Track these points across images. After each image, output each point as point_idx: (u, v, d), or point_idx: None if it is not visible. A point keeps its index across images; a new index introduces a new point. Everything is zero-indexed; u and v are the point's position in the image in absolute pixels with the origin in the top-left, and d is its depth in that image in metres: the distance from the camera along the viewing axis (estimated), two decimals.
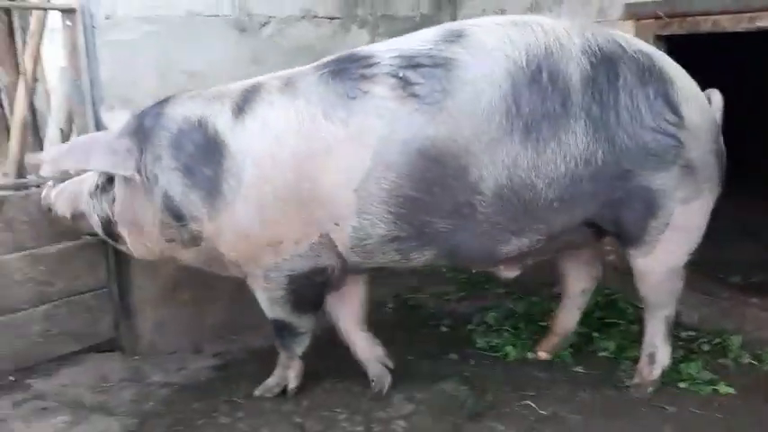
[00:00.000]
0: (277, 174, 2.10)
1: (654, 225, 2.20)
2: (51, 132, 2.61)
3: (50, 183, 2.48)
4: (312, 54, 3.11)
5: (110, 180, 2.34)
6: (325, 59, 2.20)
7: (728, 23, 2.73)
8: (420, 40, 2.10)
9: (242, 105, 2.17)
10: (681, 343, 2.81)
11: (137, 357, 2.92)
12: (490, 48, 2.03)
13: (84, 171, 2.41)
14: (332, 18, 3.22)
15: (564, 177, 2.06)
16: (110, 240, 2.49)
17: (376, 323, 3.24)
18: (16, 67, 3.48)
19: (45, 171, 2.30)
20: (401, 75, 2.01)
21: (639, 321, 2.96)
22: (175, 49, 2.77)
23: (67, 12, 2.56)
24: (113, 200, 2.32)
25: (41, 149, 2.84)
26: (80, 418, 2.45)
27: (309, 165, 2.08)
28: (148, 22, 2.70)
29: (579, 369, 2.71)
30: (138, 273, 2.85)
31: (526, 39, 2.04)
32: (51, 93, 3.07)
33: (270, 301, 2.38)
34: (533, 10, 3.36)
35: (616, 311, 3.10)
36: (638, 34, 2.98)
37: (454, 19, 3.70)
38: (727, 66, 5.13)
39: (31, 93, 2.80)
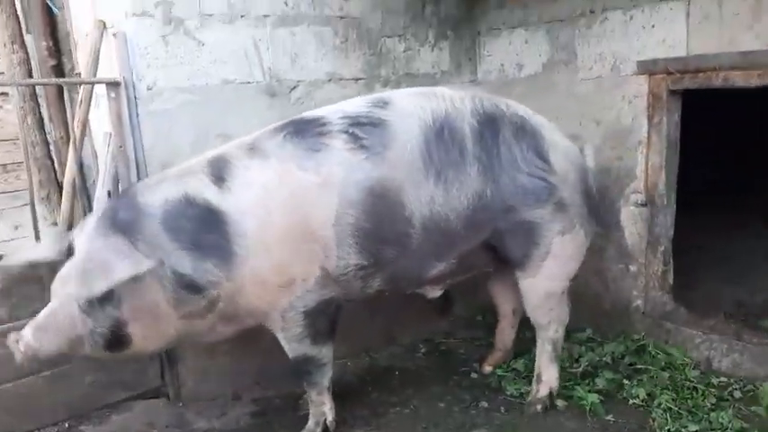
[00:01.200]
0: (275, 222, 2.34)
1: (536, 253, 2.64)
2: (99, 193, 2.78)
3: (11, 334, 2.27)
4: None
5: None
6: (276, 125, 2.50)
7: (739, 79, 2.77)
8: (356, 105, 2.52)
9: (220, 175, 2.35)
10: (713, 390, 2.81)
11: (180, 404, 3.06)
12: (408, 112, 2.50)
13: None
14: (357, 79, 3.37)
15: (466, 210, 2.52)
16: (108, 352, 2.33)
17: (407, 369, 3.35)
18: (65, 125, 3.74)
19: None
20: (351, 131, 2.41)
21: (671, 367, 3.01)
22: (211, 115, 2.95)
23: (112, 85, 2.76)
24: (119, 302, 2.23)
25: (90, 209, 3.03)
26: None
27: (297, 210, 2.37)
28: (186, 91, 2.89)
29: (610, 418, 2.73)
30: None
31: (431, 105, 2.53)
32: (98, 155, 3.29)
33: (290, 339, 2.55)
34: (548, 66, 3.49)
35: (646, 357, 3.11)
36: (652, 89, 3.07)
37: (474, 75, 3.84)
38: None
39: (79, 156, 3.01)
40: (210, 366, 3.11)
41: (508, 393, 2.99)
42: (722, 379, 2.90)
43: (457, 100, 2.58)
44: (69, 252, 2.32)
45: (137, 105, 2.76)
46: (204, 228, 2.29)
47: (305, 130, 2.43)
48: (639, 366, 3.05)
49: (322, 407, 2.68)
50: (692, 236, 3.67)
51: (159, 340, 2.39)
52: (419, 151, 2.45)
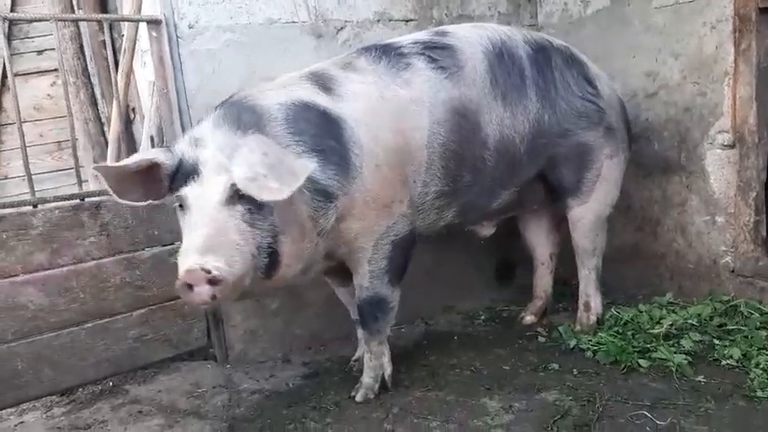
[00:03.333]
0: (382, 136, 2.28)
1: (589, 176, 2.75)
2: (143, 141, 2.67)
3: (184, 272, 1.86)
4: None
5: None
6: (353, 52, 2.47)
7: None
8: (417, 36, 2.53)
9: (326, 85, 2.25)
10: None
11: (228, 365, 2.91)
12: (469, 39, 2.54)
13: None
14: (407, 20, 3.16)
15: (529, 133, 2.58)
16: (266, 277, 2.07)
17: (467, 334, 3.12)
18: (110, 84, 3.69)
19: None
20: (426, 54, 2.42)
21: (767, 326, 2.66)
22: (256, 57, 2.79)
23: (153, 23, 2.64)
24: (272, 211, 2.01)
25: None
26: (173, 422, 2.47)
27: (399, 127, 2.32)
28: (229, 30, 2.74)
29: (700, 378, 2.41)
30: None
31: (487, 33, 2.59)
32: (144, 114, 3.20)
33: (373, 275, 2.41)
34: None
35: (738, 317, 2.76)
36: (738, 9, 2.73)
37: (535, 18, 3.57)
38: None
39: (124, 109, 2.91)
40: (259, 328, 2.97)
41: (582, 347, 2.74)
42: None
43: (507, 30, 2.67)
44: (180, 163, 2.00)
45: (179, 45, 2.63)
46: (323, 132, 2.15)
47: (387, 52, 2.40)
48: (731, 327, 2.71)
49: (382, 358, 2.54)
50: None
51: (298, 263, 2.16)
52: (486, 73, 2.49)
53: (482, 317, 3.32)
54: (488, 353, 2.83)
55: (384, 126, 2.28)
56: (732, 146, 2.84)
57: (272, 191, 1.87)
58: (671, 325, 2.77)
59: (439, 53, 2.44)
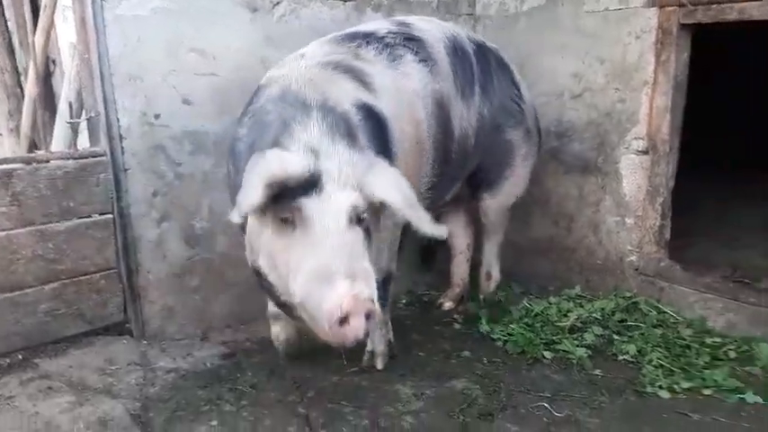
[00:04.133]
0: (405, 129, 2.29)
1: (506, 173, 2.93)
2: (61, 107, 2.53)
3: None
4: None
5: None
6: (334, 36, 2.42)
7: (756, 12, 2.57)
8: (386, 25, 2.51)
9: (363, 80, 2.19)
10: (706, 349, 2.68)
11: (144, 342, 2.86)
12: (431, 32, 2.57)
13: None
14: (346, 0, 3.11)
15: (476, 127, 2.68)
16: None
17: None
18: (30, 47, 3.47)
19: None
20: (407, 45, 2.43)
21: (663, 325, 2.88)
22: (185, 26, 2.69)
23: None
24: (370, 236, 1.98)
25: (53, 126, 2.80)
26: (83, 400, 2.41)
27: (412, 116, 2.36)
28: None
29: (597, 372, 2.59)
30: (147, 256, 2.80)
31: (442, 28, 2.65)
32: (65, 71, 3.03)
33: (391, 251, 2.48)
34: None
35: (638, 314, 2.97)
36: (662, 23, 2.86)
37: (473, 7, 3.60)
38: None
39: (43, 67, 2.74)
40: (178, 305, 2.93)
41: (494, 337, 2.87)
42: (716, 339, 2.76)
43: (452, 26, 2.74)
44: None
45: (103, 8, 2.49)
46: (380, 133, 2.11)
47: (377, 42, 2.38)
48: (630, 323, 2.91)
49: (389, 324, 2.68)
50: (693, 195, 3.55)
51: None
52: (450, 67, 2.56)
53: (403, 300, 3.41)
54: (405, 338, 2.92)
55: (404, 119, 2.29)
56: (646, 152, 3.00)
57: (423, 221, 1.83)
58: (577, 318, 2.95)
59: (415, 45, 2.45)
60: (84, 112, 2.74)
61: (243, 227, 2.05)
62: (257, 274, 2.00)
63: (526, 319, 2.97)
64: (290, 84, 2.03)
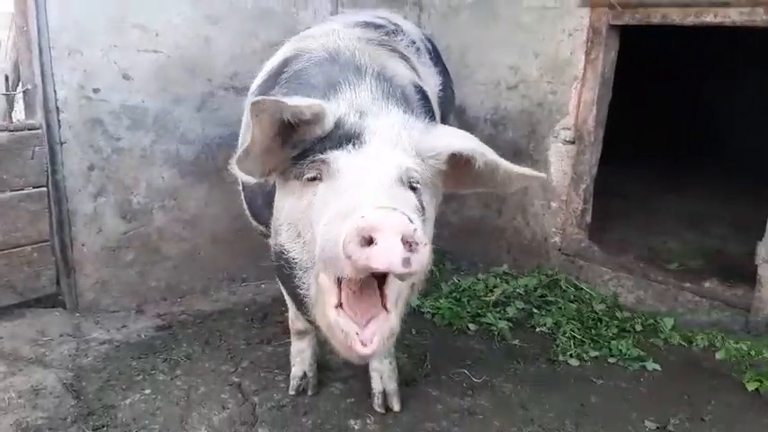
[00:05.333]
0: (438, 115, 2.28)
1: None
2: None
3: None
4: (272, 18, 3.12)
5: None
6: (348, 20, 2.42)
7: (677, 17, 2.80)
8: (374, 19, 2.48)
9: (409, 64, 2.09)
10: (616, 322, 2.90)
11: (78, 314, 2.88)
12: (406, 26, 2.64)
13: None
14: None
15: (441, 103, 2.51)
16: None
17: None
18: None
19: None
20: (407, 37, 2.43)
21: (579, 301, 3.09)
22: (129, 2, 2.70)
23: None
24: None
25: None
26: (16, 370, 2.44)
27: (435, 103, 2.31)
28: None
29: (516, 342, 2.78)
30: (81, 229, 2.82)
31: (406, 21, 2.77)
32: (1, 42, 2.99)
33: None
34: None
35: (557, 291, 3.18)
36: (593, 22, 3.05)
37: None
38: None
39: None
40: (112, 278, 2.96)
41: (423, 310, 3.01)
42: (626, 313, 3.00)
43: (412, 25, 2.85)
44: None
45: None
46: (432, 118, 1.95)
47: (399, 33, 2.39)
48: (550, 298, 3.12)
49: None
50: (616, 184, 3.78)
51: None
52: (426, 52, 2.59)
53: None
54: None
55: (436, 107, 2.25)
56: (572, 142, 3.20)
57: (509, 164, 1.59)
58: (501, 293, 3.14)
59: (407, 38, 2.43)
60: (20, 85, 2.72)
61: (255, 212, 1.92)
62: (279, 260, 1.59)
63: (455, 294, 3.14)
64: (339, 49, 1.80)
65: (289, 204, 1.53)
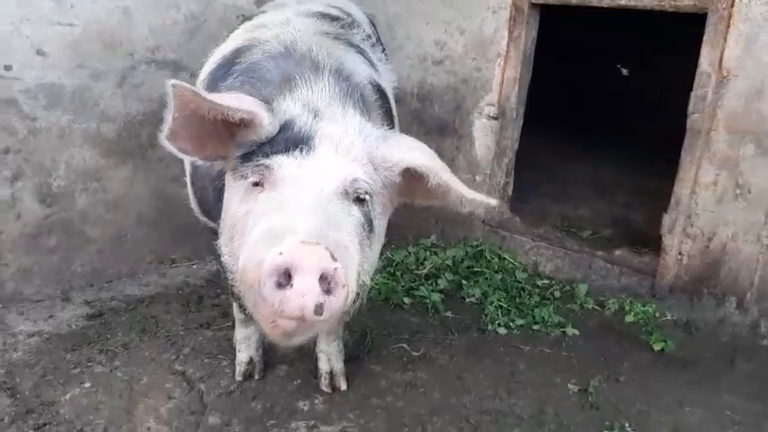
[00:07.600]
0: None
1: None
2: None
3: None
4: None
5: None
6: (299, 14, 2.14)
7: (595, 0, 2.96)
8: (324, 8, 2.33)
9: (368, 58, 2.04)
10: (537, 290, 3.14)
11: (0, 306, 2.74)
12: (354, 11, 2.65)
13: None
14: None
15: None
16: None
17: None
18: None
19: None
20: (361, 28, 2.32)
21: (503, 270, 3.29)
22: None
23: None
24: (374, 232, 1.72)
25: None
26: None
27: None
28: None
29: (449, 314, 2.94)
30: None
31: (353, 8, 2.70)
32: None
33: None
34: None
35: (482, 261, 3.36)
36: (515, 1, 3.15)
37: None
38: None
39: None
40: (34, 266, 2.82)
41: None
42: (545, 281, 3.24)
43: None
44: None
45: None
46: (390, 119, 1.93)
47: (354, 26, 2.28)
48: (476, 269, 3.29)
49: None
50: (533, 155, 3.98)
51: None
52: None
53: None
54: None
55: (394, 105, 2.15)
56: (496, 118, 3.33)
57: (464, 188, 1.51)
58: (432, 266, 3.29)
59: (363, 32, 2.26)
60: None
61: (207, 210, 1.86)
62: (219, 260, 1.59)
63: (389, 269, 3.25)
64: (296, 42, 1.76)
65: (233, 206, 1.50)
